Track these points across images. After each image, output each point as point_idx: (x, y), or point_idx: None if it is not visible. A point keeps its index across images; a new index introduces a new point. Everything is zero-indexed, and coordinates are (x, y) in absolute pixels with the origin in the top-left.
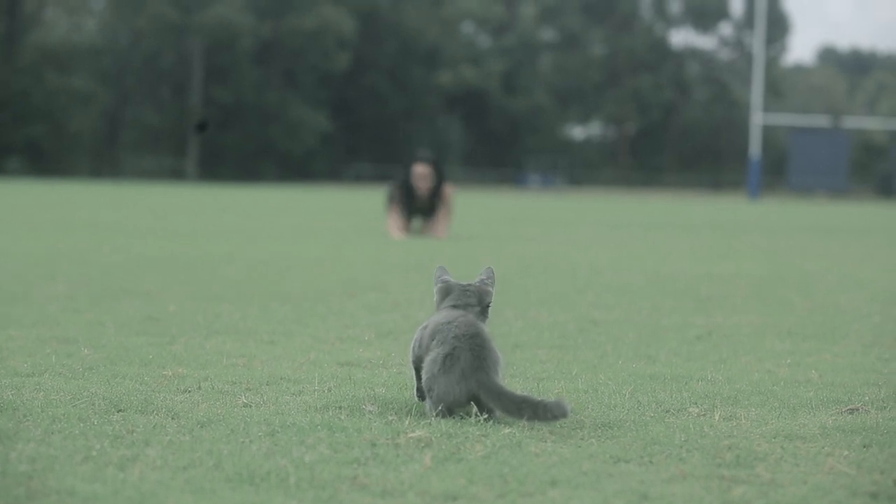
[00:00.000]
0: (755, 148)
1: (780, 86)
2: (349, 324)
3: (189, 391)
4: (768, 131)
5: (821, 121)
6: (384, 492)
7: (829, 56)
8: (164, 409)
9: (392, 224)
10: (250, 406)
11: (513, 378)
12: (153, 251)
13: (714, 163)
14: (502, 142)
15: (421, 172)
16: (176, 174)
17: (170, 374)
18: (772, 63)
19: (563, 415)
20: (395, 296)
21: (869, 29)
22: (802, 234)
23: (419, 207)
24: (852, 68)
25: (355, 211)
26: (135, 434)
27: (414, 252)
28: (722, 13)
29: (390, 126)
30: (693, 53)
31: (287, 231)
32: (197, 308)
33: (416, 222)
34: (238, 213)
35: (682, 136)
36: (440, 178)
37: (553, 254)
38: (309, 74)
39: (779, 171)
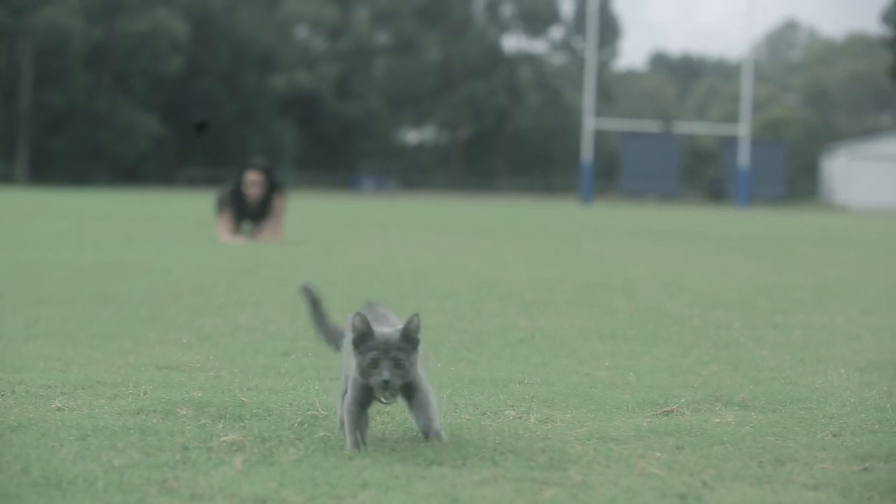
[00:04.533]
0: (587, 152)
1: (612, 91)
2: (170, 327)
3: (2, 395)
4: (600, 136)
5: (652, 126)
6: (193, 495)
7: (659, 61)
8: None
9: (222, 227)
10: (64, 410)
11: (331, 381)
12: None
13: (547, 167)
14: (336, 146)
15: (252, 179)
16: (5, 178)
17: None
18: (603, 68)
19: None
20: (219, 299)
21: (697, 35)
22: (631, 238)
23: (249, 213)
24: (683, 74)
25: (185, 215)
26: None
27: (241, 256)
28: (553, 17)
29: (223, 130)
30: (525, 58)
31: (114, 235)
32: (17, 312)
33: (246, 225)
34: (67, 218)
35: (515, 140)
36: (272, 186)
37: (380, 259)
38: (141, 78)
39: (611, 175)
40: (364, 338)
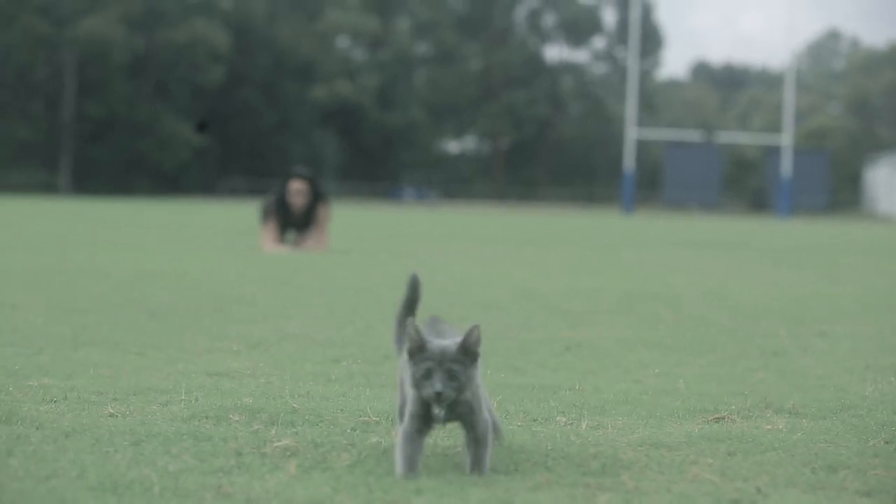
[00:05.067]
0: (629, 162)
1: (654, 100)
2: (218, 336)
3: (55, 401)
4: (642, 146)
5: (694, 135)
6: (248, 500)
7: (702, 71)
8: (28, 420)
9: (266, 236)
10: (116, 416)
11: (381, 387)
12: (20, 264)
13: (589, 177)
14: (377, 156)
15: (297, 188)
16: (48, 188)
17: (35, 384)
18: (645, 77)
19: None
20: (264, 309)
21: (739, 44)
22: (673, 248)
23: (293, 223)
24: (725, 83)
25: (227, 225)
26: None
27: (285, 266)
28: (595, 27)
29: (264, 140)
30: (567, 68)
31: (158, 245)
32: (65, 320)
33: (290, 235)
34: (109, 227)
35: (556, 150)
36: (316, 195)
37: (423, 269)
38: (182, 88)
39: (653, 185)
40: (420, 348)
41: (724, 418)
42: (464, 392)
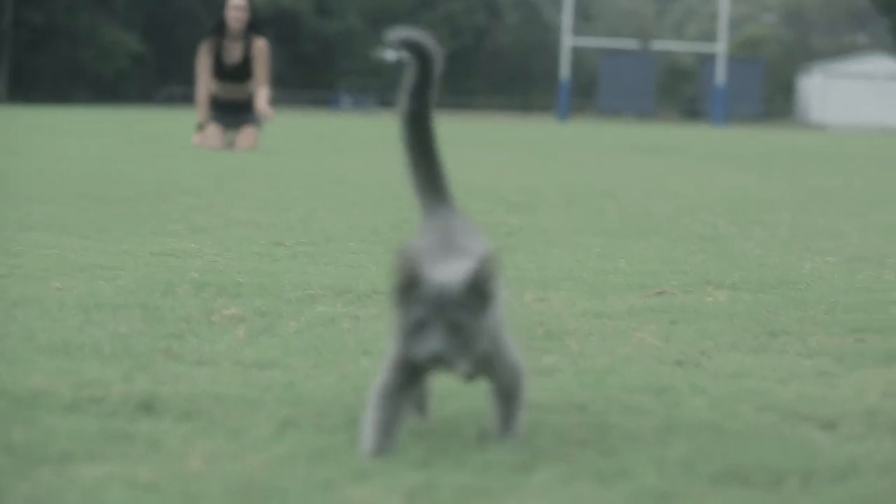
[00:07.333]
0: (565, 70)
1: (590, 10)
2: (162, 221)
3: (1, 276)
4: (578, 54)
5: (630, 44)
6: (199, 361)
7: None
8: None
9: (205, 135)
10: (63, 290)
11: (326, 265)
12: None
13: (525, 86)
14: (314, 64)
15: (236, 3)
16: None
17: None
18: None
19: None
20: (207, 198)
21: None
22: (611, 151)
23: (229, 63)
24: None
25: (166, 131)
26: None
27: (225, 162)
28: None
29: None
30: None
31: (97, 148)
32: (7, 208)
33: (230, 133)
34: (48, 133)
35: (493, 59)
36: (255, 20)
37: (363, 167)
38: None
39: (588, 94)
40: (410, 285)
41: (665, 292)
42: (475, 351)
